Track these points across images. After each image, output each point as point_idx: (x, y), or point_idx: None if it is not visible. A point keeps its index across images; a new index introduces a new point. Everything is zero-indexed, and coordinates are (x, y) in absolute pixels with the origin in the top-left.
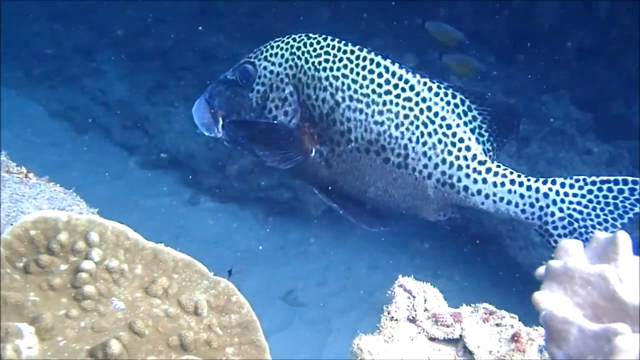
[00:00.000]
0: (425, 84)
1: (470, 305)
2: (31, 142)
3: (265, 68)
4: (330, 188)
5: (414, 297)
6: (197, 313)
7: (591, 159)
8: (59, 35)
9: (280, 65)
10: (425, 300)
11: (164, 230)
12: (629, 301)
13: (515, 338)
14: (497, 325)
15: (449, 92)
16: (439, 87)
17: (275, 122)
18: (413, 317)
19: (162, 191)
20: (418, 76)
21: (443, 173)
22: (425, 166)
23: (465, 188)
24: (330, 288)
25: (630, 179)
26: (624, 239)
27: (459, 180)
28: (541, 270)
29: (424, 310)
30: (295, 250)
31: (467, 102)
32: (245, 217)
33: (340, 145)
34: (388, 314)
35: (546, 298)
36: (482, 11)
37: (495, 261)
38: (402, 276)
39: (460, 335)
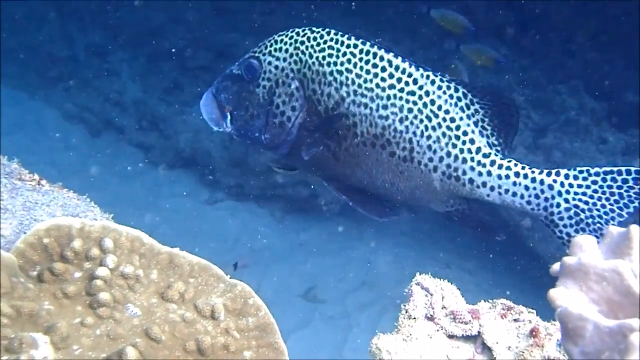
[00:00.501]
0: (428, 77)
1: (488, 301)
2: (46, 146)
3: (270, 63)
4: (339, 180)
5: (431, 294)
6: (214, 317)
7: (607, 148)
8: (72, 37)
9: (284, 60)
10: (442, 298)
11: (182, 231)
12: None
13: (534, 333)
14: (515, 320)
15: (452, 85)
16: (441, 81)
17: (285, 121)
18: (431, 315)
19: (180, 191)
20: (421, 70)
21: (448, 166)
22: (431, 159)
23: (471, 180)
24: (349, 284)
25: (633, 168)
26: (638, 233)
27: (464, 173)
28: (556, 266)
29: (442, 308)
30: (313, 247)
31: (470, 96)
32: (264, 215)
33: (347, 139)
34: (406, 312)
35: (561, 295)
36: (494, 3)
37: (514, 253)
38: (420, 274)
39: (479, 332)
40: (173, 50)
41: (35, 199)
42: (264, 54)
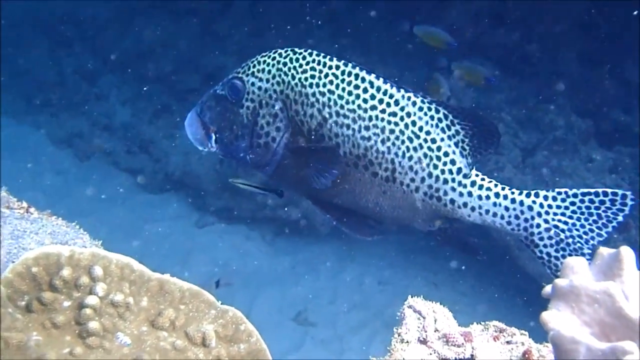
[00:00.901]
0: (409, 98)
1: (480, 323)
2: (35, 171)
3: (253, 84)
4: (324, 200)
5: (423, 317)
6: (206, 344)
7: (594, 167)
8: (60, 62)
9: (267, 81)
10: (435, 321)
11: (173, 255)
12: (635, 317)
13: (527, 355)
14: (508, 342)
15: (432, 106)
16: (422, 102)
17: (270, 141)
18: (424, 338)
19: (170, 215)
20: (402, 91)
21: (430, 186)
22: (413, 180)
23: (452, 201)
24: (340, 306)
25: (609, 190)
26: (628, 255)
27: (446, 193)
28: (548, 289)
29: (435, 331)
30: (304, 270)
31: (450, 117)
32: (254, 238)
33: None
34: (398, 335)
35: (554, 317)
36: (482, 23)
37: (505, 273)
38: (411, 296)
39: (472, 355)
40: (162, 73)
41: (23, 227)
42: (247, 75)
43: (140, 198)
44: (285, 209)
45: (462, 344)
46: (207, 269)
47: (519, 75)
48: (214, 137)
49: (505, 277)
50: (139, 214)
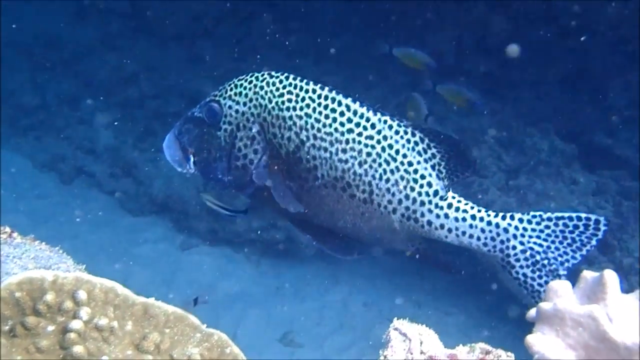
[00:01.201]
0: (385, 122)
1: (466, 345)
2: (18, 195)
3: (230, 107)
4: (303, 220)
5: (409, 339)
6: None
7: (578, 189)
8: (43, 86)
9: (244, 104)
10: (421, 343)
11: (157, 277)
12: (619, 341)
13: None
14: None
15: (409, 130)
16: (399, 125)
17: (247, 164)
18: None
19: (153, 237)
20: (379, 114)
21: (407, 208)
22: (390, 202)
23: (429, 222)
24: (327, 327)
25: (583, 215)
26: (611, 278)
27: (422, 215)
28: (532, 312)
29: (420, 353)
30: (290, 291)
31: (426, 140)
32: (239, 260)
33: (308, 181)
34: (384, 357)
35: (538, 341)
36: (464, 47)
37: (489, 292)
38: (397, 319)
39: None
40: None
41: (6, 252)
42: (224, 98)
43: (124, 221)
44: (270, 231)
45: None
46: (192, 291)
47: (502, 99)
48: (192, 158)
49: (489, 296)
50: (122, 237)
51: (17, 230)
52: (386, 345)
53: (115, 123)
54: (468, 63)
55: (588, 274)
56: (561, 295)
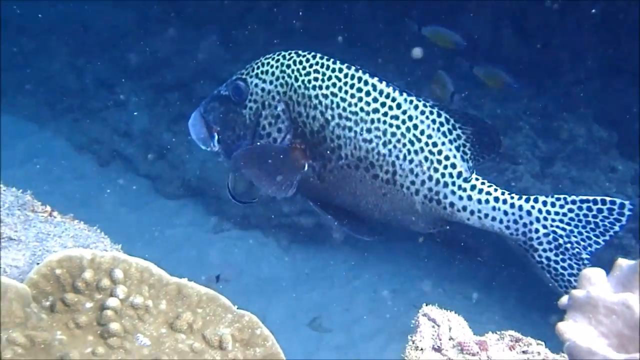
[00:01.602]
0: (411, 102)
1: (495, 333)
2: (57, 176)
3: (256, 85)
4: (324, 200)
5: (438, 325)
6: (222, 347)
7: (616, 177)
8: (81, 70)
9: (271, 82)
10: (450, 329)
11: (189, 260)
12: None
13: None
14: (524, 352)
15: (435, 110)
16: (424, 106)
17: (268, 144)
18: (438, 346)
19: (187, 220)
20: (405, 94)
21: (430, 189)
22: (413, 183)
23: (452, 204)
24: (355, 313)
25: (608, 199)
26: None
27: (445, 196)
28: (564, 299)
29: (449, 339)
30: (319, 276)
31: (452, 121)
32: (269, 244)
33: (331, 161)
34: (413, 343)
35: (570, 328)
36: (500, 33)
37: (518, 280)
38: (426, 304)
39: None
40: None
41: (47, 231)
42: (250, 76)
43: (158, 204)
44: (301, 216)
45: (477, 352)
46: (232, 278)
47: (539, 85)
48: (216, 137)
49: (518, 282)
50: (156, 220)
51: (57, 210)
52: (415, 331)
53: (149, 107)
54: (505, 47)
55: (623, 262)
56: (595, 282)
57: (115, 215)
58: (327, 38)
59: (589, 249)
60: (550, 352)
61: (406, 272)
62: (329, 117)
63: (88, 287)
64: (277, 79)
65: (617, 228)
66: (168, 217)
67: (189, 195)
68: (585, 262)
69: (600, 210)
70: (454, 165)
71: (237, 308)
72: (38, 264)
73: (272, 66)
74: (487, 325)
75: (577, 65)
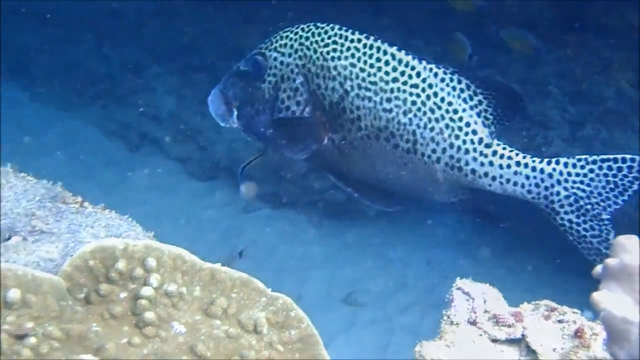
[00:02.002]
0: (431, 70)
1: (530, 303)
2: (87, 163)
3: (275, 59)
4: (344, 173)
5: (472, 299)
6: (257, 331)
7: None
8: (108, 55)
9: (289, 55)
10: (484, 301)
11: (222, 241)
12: None
13: (579, 334)
14: (560, 321)
15: (455, 77)
16: (444, 73)
17: (289, 117)
18: (473, 320)
19: (218, 202)
20: (424, 62)
21: (451, 157)
22: (434, 151)
23: (473, 171)
24: (389, 287)
25: (628, 156)
26: None
27: (467, 163)
28: (598, 269)
29: (484, 312)
30: (352, 252)
31: (473, 87)
32: (301, 222)
33: (351, 132)
34: (448, 317)
35: (605, 298)
36: None
37: (553, 248)
38: (460, 278)
39: (523, 335)
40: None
41: (79, 222)
42: (269, 50)
43: (189, 186)
44: (331, 192)
45: (513, 324)
46: (256, 254)
47: (566, 47)
48: (235, 112)
49: (553, 254)
50: (188, 202)
51: (88, 199)
52: (449, 305)
53: (177, 90)
54: (532, 8)
55: None
56: (629, 250)
57: (147, 199)
58: (355, 10)
59: (609, 209)
60: (587, 320)
61: (440, 244)
62: (348, 88)
63: (122, 277)
64: (296, 51)
65: (636, 186)
66: (199, 199)
67: (220, 176)
68: (606, 222)
69: (620, 169)
70: (475, 132)
71: (272, 290)
72: (71, 255)
73: (290, 39)
74: (522, 295)
75: (606, 26)
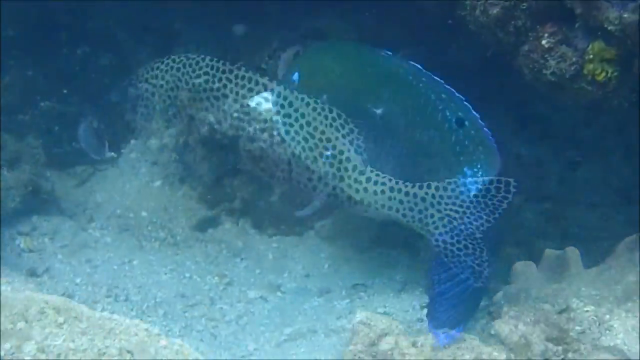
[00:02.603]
0: (303, 99)
1: None
2: None
3: (147, 90)
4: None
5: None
6: None
7: None
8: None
9: (161, 87)
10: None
11: None
12: None
13: None
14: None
15: (326, 106)
16: (316, 102)
17: None
18: None
19: None
20: (295, 92)
21: (326, 185)
22: (310, 179)
23: (349, 198)
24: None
25: (495, 178)
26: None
27: (342, 190)
28: (499, 295)
29: None
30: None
31: (344, 116)
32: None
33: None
34: None
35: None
36: None
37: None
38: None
39: None
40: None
41: None
42: (140, 82)
43: None
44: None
45: None
46: None
47: None
48: (107, 144)
49: None
50: None
51: None
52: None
53: None
54: None
55: (551, 253)
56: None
57: None
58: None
59: (482, 228)
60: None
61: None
62: (221, 119)
63: None
64: (168, 82)
65: (505, 205)
66: None
67: None
68: (479, 241)
69: (488, 190)
70: (348, 159)
71: None
72: None
73: (162, 70)
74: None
75: None
